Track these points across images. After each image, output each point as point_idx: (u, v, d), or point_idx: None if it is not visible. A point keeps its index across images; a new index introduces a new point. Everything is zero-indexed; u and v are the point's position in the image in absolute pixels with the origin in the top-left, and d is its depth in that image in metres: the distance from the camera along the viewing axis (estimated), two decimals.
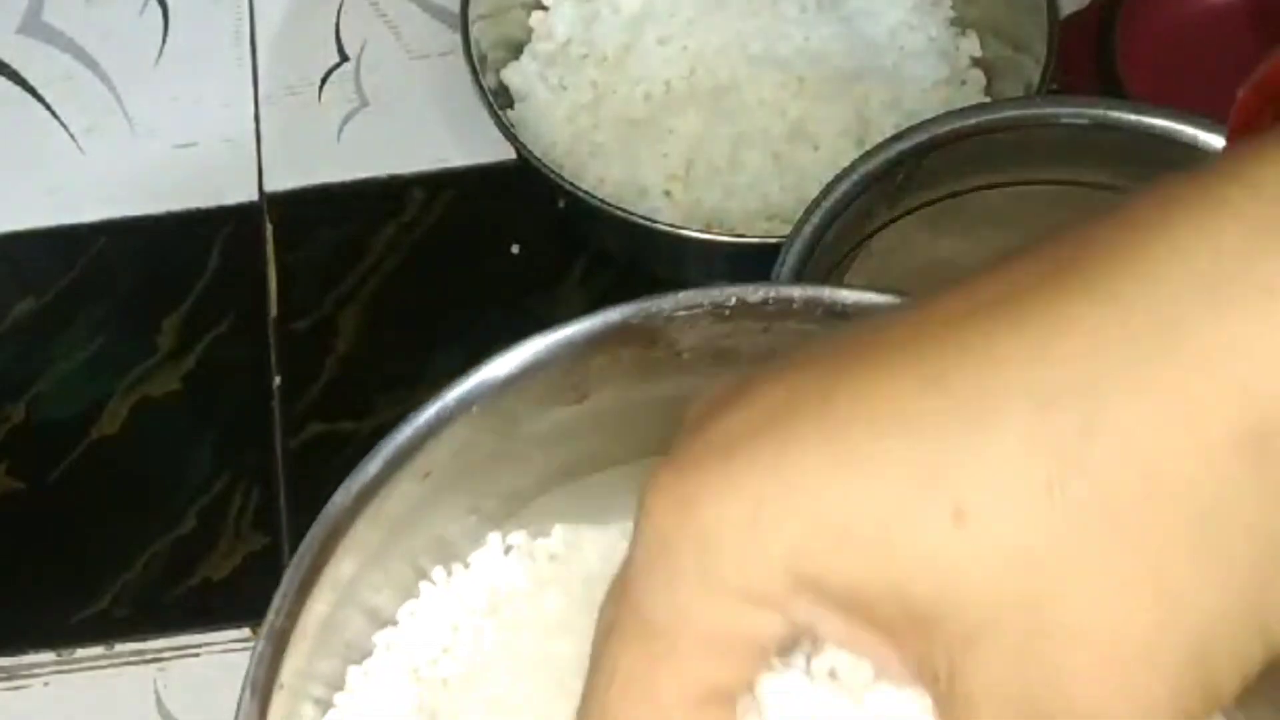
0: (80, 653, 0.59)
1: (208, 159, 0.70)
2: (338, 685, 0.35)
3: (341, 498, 0.32)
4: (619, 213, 0.59)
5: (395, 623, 0.35)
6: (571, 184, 0.60)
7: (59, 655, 0.59)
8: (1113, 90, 0.61)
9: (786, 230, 0.50)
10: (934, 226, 0.53)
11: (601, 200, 0.59)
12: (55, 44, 0.74)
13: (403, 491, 0.33)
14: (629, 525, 0.26)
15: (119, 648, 0.59)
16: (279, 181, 0.69)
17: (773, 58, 0.64)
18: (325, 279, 0.66)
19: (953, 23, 0.68)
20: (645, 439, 0.35)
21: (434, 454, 0.34)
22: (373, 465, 0.33)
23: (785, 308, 0.33)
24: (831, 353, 0.26)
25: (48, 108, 0.72)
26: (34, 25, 0.74)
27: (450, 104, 0.70)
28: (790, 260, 0.49)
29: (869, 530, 0.24)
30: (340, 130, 0.70)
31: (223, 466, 0.62)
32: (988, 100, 0.65)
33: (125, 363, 0.65)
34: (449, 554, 0.36)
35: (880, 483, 0.24)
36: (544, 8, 0.69)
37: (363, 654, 0.35)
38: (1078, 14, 0.65)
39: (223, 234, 0.68)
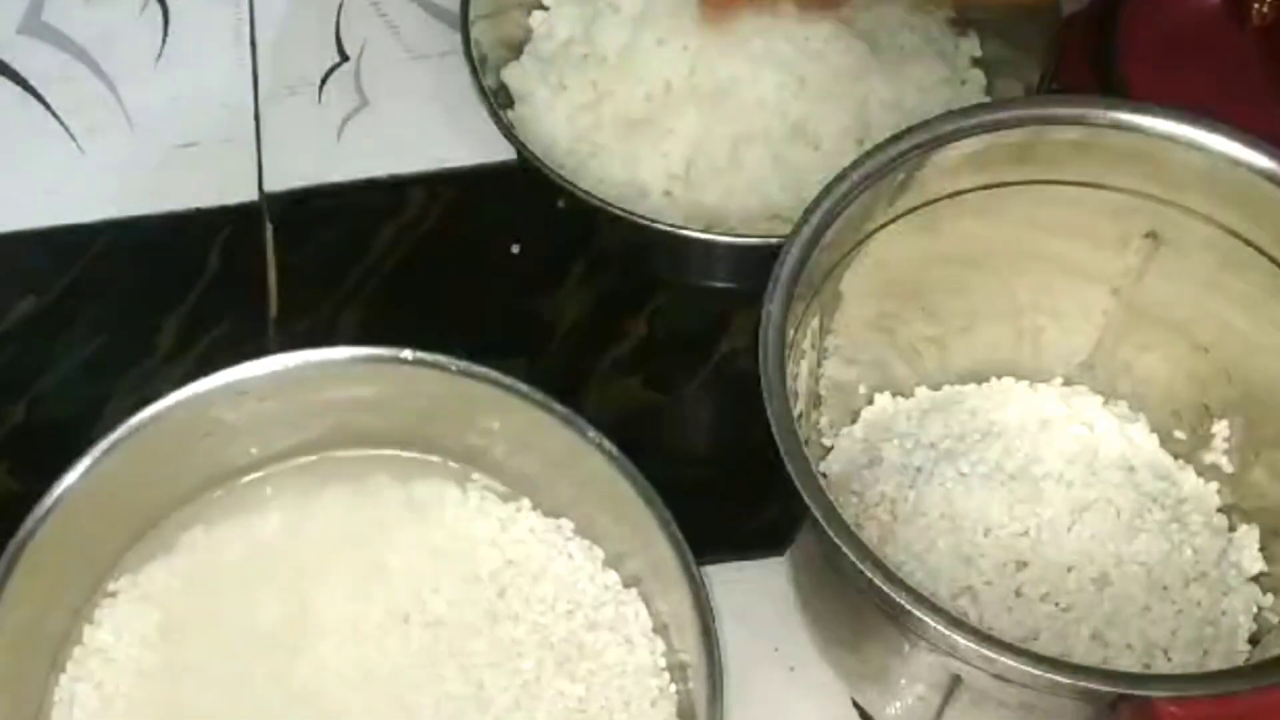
0: None
1: (208, 159, 0.70)
2: None
3: None
4: (619, 213, 0.59)
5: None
6: (571, 184, 0.60)
7: None
8: (1113, 90, 0.61)
9: (786, 230, 0.50)
10: (934, 226, 0.53)
11: (601, 200, 0.59)
12: (55, 44, 0.74)
13: None
14: None
15: None
16: (279, 181, 0.69)
17: (773, 57, 0.64)
18: (325, 279, 0.66)
19: (953, 23, 0.68)
20: None
21: None
22: None
23: None
24: None
25: (48, 108, 0.72)
26: (34, 25, 0.74)
27: (450, 104, 0.70)
28: (790, 260, 0.49)
29: None
30: (340, 130, 0.70)
31: None
32: (988, 100, 0.65)
33: (125, 363, 0.65)
34: None
35: None
36: (544, 8, 0.69)
37: None
38: (1078, 14, 0.65)
39: (223, 234, 0.68)
